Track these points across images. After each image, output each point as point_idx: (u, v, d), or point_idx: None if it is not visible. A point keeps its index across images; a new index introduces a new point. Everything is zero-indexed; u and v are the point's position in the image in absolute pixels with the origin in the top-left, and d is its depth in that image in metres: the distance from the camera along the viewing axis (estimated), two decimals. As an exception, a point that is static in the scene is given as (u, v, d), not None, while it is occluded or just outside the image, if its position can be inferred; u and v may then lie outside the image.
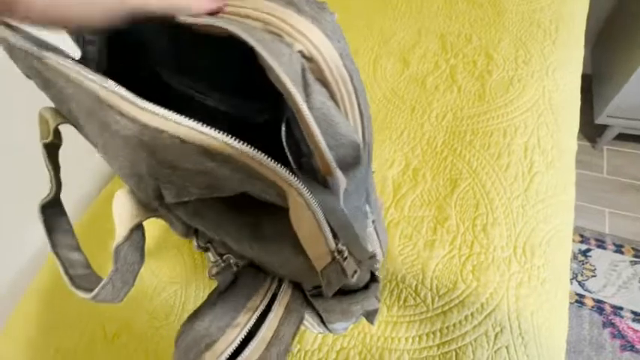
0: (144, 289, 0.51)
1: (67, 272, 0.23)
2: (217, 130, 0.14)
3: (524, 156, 0.49)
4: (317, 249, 0.19)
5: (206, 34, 0.15)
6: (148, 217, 0.24)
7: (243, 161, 0.14)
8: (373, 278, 0.27)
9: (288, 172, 0.15)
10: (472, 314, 0.39)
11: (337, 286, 0.21)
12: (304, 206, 0.16)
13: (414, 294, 0.41)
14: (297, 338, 0.41)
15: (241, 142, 0.14)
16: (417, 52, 0.68)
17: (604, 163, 1.15)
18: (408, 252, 0.44)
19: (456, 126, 0.54)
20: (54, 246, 0.23)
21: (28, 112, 0.36)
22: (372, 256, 0.23)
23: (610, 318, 0.87)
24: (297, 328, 0.26)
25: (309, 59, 0.15)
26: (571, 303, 0.90)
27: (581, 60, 0.63)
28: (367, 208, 0.27)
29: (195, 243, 0.23)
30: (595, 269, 0.94)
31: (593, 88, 1.19)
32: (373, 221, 0.30)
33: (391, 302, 0.41)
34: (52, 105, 0.21)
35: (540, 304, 0.39)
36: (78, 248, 0.26)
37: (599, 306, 0.88)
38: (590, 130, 1.20)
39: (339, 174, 0.17)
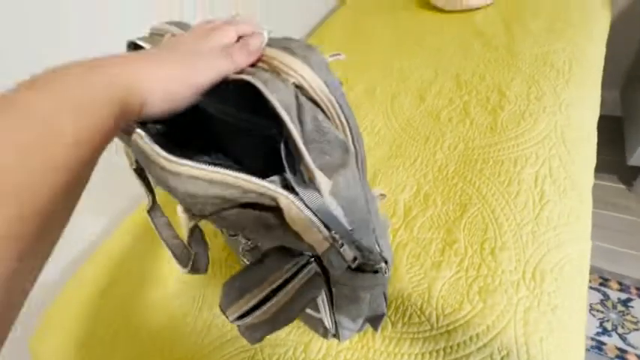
0: (166, 292, 0.55)
1: (173, 253, 0.31)
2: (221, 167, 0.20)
3: (535, 185, 0.50)
4: (312, 236, 0.23)
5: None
6: (197, 221, 0.30)
7: (240, 186, 0.20)
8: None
9: (274, 185, 0.21)
10: (477, 335, 0.38)
11: (339, 268, 0.25)
12: (292, 207, 0.21)
13: (419, 312, 0.42)
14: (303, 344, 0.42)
15: (241, 173, 0.20)
16: (432, 89, 0.73)
17: (642, 207, 1.08)
18: (415, 271, 0.45)
19: (468, 155, 0.57)
20: (161, 237, 0.30)
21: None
22: (371, 251, 0.26)
23: (658, 379, 0.77)
24: (310, 300, 0.29)
25: (300, 87, 0.22)
26: (612, 358, 0.82)
27: (598, 100, 0.65)
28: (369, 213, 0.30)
29: (224, 233, 0.28)
30: (638, 322, 0.86)
31: (624, 129, 1.17)
32: (373, 230, 0.33)
33: (396, 319, 0.42)
34: None
35: (551, 331, 0.38)
36: (177, 237, 0.34)
37: (644, 364, 0.79)
38: (625, 173, 1.15)
39: (320, 177, 0.22)
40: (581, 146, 0.55)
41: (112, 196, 0.77)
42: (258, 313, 0.25)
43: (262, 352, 0.43)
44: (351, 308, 0.33)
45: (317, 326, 0.38)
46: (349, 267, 0.26)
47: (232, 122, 0.28)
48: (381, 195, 0.49)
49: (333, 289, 0.32)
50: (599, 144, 0.59)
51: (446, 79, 0.74)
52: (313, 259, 0.28)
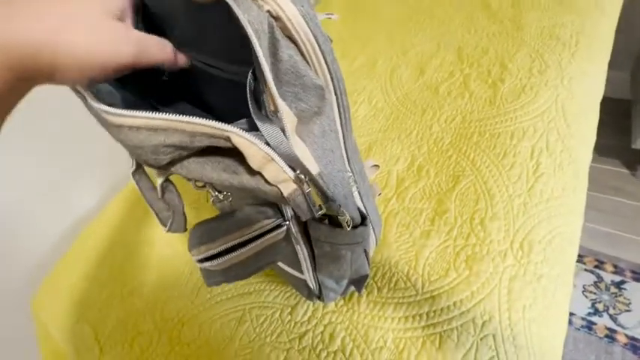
0: (160, 256, 0.56)
1: (156, 215, 0.30)
2: (168, 114, 0.19)
3: (531, 157, 0.49)
4: (275, 176, 0.22)
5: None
6: (166, 176, 0.29)
7: (184, 129, 0.19)
8: (363, 222, 0.30)
9: (224, 124, 0.19)
10: (461, 301, 0.39)
11: (307, 212, 0.24)
12: (247, 143, 0.20)
13: (405, 278, 0.42)
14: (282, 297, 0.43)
15: (181, 115, 0.19)
16: (433, 62, 0.71)
17: (644, 192, 1.07)
18: (404, 240, 0.45)
19: (464, 128, 0.56)
20: (146, 199, 0.30)
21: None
22: (333, 200, 0.25)
23: (646, 358, 0.78)
24: (268, 263, 0.29)
25: (276, 18, 0.20)
26: (601, 337, 0.83)
27: (604, 76, 0.63)
28: (347, 168, 0.30)
29: (192, 184, 0.27)
30: (630, 303, 0.86)
31: (632, 113, 1.14)
32: (358, 191, 0.32)
33: (382, 284, 0.42)
34: None
35: (534, 300, 0.38)
36: (161, 198, 0.33)
37: (633, 343, 0.80)
38: (630, 157, 1.13)
39: (282, 106, 0.20)
40: (582, 121, 0.53)
41: (111, 164, 0.78)
42: (218, 261, 0.26)
43: (250, 314, 0.44)
44: (332, 269, 0.33)
45: (301, 288, 0.39)
46: (314, 217, 0.25)
47: (223, 76, 0.27)
48: (375, 166, 0.49)
49: (315, 249, 0.32)
50: (604, 126, 0.57)
51: (447, 53, 0.71)
52: (287, 222, 0.28)
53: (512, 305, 0.37)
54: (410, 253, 0.44)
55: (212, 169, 0.22)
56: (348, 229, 0.28)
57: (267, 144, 0.20)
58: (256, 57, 0.19)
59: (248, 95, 0.21)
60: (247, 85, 0.21)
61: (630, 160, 1.13)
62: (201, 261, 0.26)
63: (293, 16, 0.20)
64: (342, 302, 0.42)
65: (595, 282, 0.91)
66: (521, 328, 0.36)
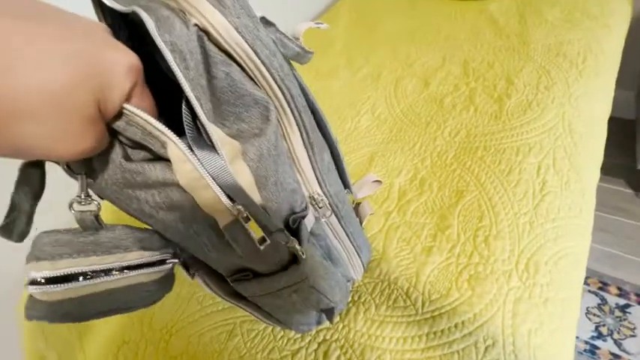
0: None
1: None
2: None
3: (537, 175, 0.48)
4: (210, 203, 0.19)
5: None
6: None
7: (130, 116, 0.17)
8: (294, 260, 0.26)
9: (167, 129, 0.17)
10: (463, 323, 0.37)
11: (245, 246, 0.22)
12: (183, 159, 0.17)
13: (404, 296, 0.40)
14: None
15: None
16: (438, 75, 0.70)
17: (650, 213, 1.05)
18: (405, 255, 0.44)
19: (469, 142, 0.55)
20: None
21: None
22: (281, 230, 0.22)
23: (652, 387, 0.75)
24: (132, 306, 0.23)
25: (205, 32, 0.18)
26: (604, 363, 0.80)
27: (611, 95, 0.62)
28: (318, 193, 0.27)
29: (63, 166, 0.20)
30: (635, 328, 0.84)
31: (637, 133, 1.13)
32: (335, 215, 0.30)
33: (380, 301, 0.40)
34: None
35: (540, 324, 0.36)
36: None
37: (638, 371, 0.77)
38: (634, 178, 1.11)
39: (216, 132, 0.18)
40: (589, 140, 0.52)
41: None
42: (57, 288, 0.19)
43: (241, 328, 0.42)
44: (287, 311, 0.30)
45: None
46: (256, 248, 0.22)
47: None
48: (377, 182, 0.47)
49: (255, 303, 0.30)
50: (609, 146, 0.56)
51: (453, 66, 0.71)
52: (175, 259, 0.24)
53: (516, 330, 0.36)
54: (410, 269, 0.42)
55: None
56: (304, 256, 0.25)
57: (204, 168, 0.18)
58: (180, 83, 0.17)
59: (184, 120, 0.19)
60: (182, 110, 0.19)
61: (634, 181, 1.11)
62: (34, 283, 0.19)
63: (223, 29, 0.18)
64: (337, 319, 0.40)
65: (599, 304, 0.89)
66: (526, 356, 0.34)
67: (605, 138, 0.56)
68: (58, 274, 0.19)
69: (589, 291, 0.92)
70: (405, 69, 0.75)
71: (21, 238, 0.21)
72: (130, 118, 0.17)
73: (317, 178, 0.27)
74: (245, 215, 0.20)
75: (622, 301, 0.88)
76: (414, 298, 0.40)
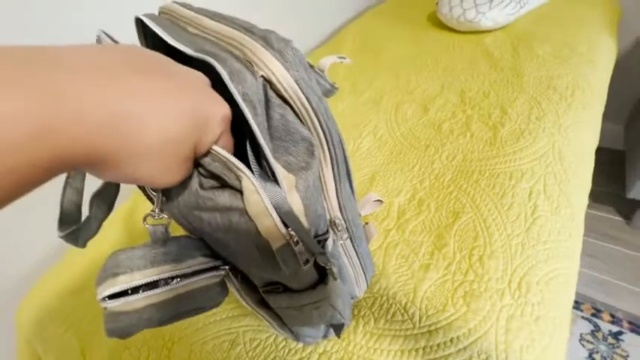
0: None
1: (61, 210, 0.25)
2: None
3: (529, 199, 0.50)
4: (269, 230, 0.22)
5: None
6: None
7: (214, 154, 0.20)
8: (322, 280, 0.29)
9: (244, 166, 0.20)
10: (458, 337, 0.38)
11: (293, 266, 0.24)
12: (253, 191, 0.20)
13: (402, 310, 0.42)
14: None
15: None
16: (437, 102, 0.74)
17: (640, 242, 1.08)
18: (403, 271, 0.46)
19: (465, 166, 0.58)
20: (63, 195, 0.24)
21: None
22: (323, 253, 0.25)
23: (645, 416, 0.75)
24: (196, 310, 0.25)
25: (269, 82, 0.22)
26: (598, 391, 0.80)
27: (598, 127, 0.66)
28: (339, 217, 0.30)
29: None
30: (628, 356, 0.84)
31: (626, 163, 1.17)
32: (350, 238, 0.33)
33: (379, 315, 0.42)
34: None
35: (532, 341, 0.38)
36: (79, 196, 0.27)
37: (631, 399, 0.78)
38: (624, 206, 1.15)
39: (277, 168, 0.21)
40: (578, 168, 0.55)
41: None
42: (134, 297, 0.21)
43: (243, 337, 0.44)
44: (302, 323, 0.33)
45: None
46: (290, 289, 0.25)
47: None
48: (378, 201, 0.50)
49: (277, 311, 0.32)
50: (600, 175, 0.59)
51: (451, 94, 0.75)
52: (225, 267, 0.27)
53: (509, 346, 0.37)
54: (408, 285, 0.44)
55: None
56: (336, 280, 0.28)
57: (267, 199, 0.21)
58: (250, 129, 0.20)
59: (250, 159, 0.21)
60: (247, 149, 0.22)
61: (625, 209, 1.15)
62: (113, 297, 0.21)
63: (284, 80, 0.22)
64: (322, 338, 0.42)
65: (592, 331, 0.90)
66: (518, 371, 0.36)
67: (592, 166, 0.59)
68: (139, 283, 0.21)
69: (582, 317, 0.93)
70: (406, 95, 0.79)
71: (86, 243, 0.24)
72: (215, 156, 0.20)
73: (339, 205, 0.29)
74: (295, 240, 0.22)
75: (615, 328, 0.89)
76: (411, 312, 0.42)
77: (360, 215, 0.35)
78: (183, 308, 0.24)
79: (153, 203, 0.23)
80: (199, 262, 0.24)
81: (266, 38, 0.23)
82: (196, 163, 0.20)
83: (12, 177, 0.12)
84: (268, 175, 0.22)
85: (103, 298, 0.21)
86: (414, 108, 0.74)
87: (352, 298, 0.41)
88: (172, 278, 0.23)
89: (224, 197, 0.21)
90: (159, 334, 0.47)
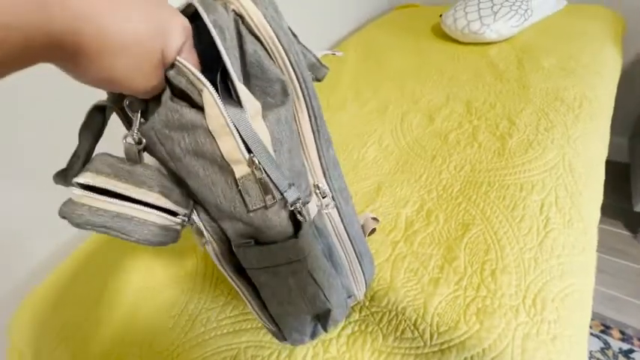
0: (155, 283, 0.53)
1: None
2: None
3: (540, 212, 0.49)
4: (230, 151, 0.22)
5: None
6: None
7: (179, 66, 0.21)
8: (295, 235, 0.27)
9: (204, 78, 0.21)
10: (472, 357, 0.36)
11: (257, 200, 0.24)
12: (213, 104, 0.21)
13: (412, 327, 0.40)
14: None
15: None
16: (443, 112, 0.74)
17: (648, 256, 1.06)
18: (412, 286, 0.44)
19: (473, 177, 0.57)
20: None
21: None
22: (290, 187, 0.25)
23: None
24: (145, 239, 0.25)
25: (240, 16, 0.23)
26: (611, 412, 0.77)
27: (607, 138, 0.65)
28: (323, 183, 0.30)
29: (126, 102, 0.24)
30: (640, 375, 0.81)
31: (631, 176, 1.16)
32: (336, 208, 0.32)
33: (388, 332, 0.40)
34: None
35: (549, 362, 0.36)
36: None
37: (646, 422, 0.74)
38: (631, 219, 1.13)
39: (244, 91, 0.22)
40: (589, 180, 0.54)
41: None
42: (97, 197, 0.22)
43: (245, 353, 0.41)
44: (281, 300, 0.31)
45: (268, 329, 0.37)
46: (265, 205, 0.25)
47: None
48: (374, 219, 0.48)
49: (253, 282, 0.31)
50: (606, 189, 0.58)
51: (456, 104, 0.75)
52: (186, 219, 0.26)
53: (526, 367, 0.35)
54: (418, 300, 0.42)
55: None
56: (306, 221, 0.27)
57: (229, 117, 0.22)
58: (218, 48, 0.21)
59: (218, 84, 0.22)
60: (217, 76, 0.22)
61: (631, 223, 1.13)
62: (85, 187, 0.22)
63: (254, 15, 0.23)
64: (344, 348, 0.40)
65: (602, 348, 0.87)
66: (537, 394, 0.34)
67: (603, 178, 0.58)
68: (96, 185, 0.23)
69: (591, 334, 0.90)
70: (411, 105, 0.79)
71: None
72: (179, 68, 0.21)
73: (322, 167, 0.29)
74: (260, 168, 0.23)
75: (625, 346, 0.87)
76: (421, 329, 0.40)
77: (347, 190, 0.34)
78: (129, 229, 0.24)
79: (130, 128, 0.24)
80: (155, 197, 0.24)
81: None
82: (166, 79, 0.22)
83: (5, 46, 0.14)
84: (235, 100, 0.23)
85: (75, 184, 0.23)
86: (419, 118, 0.74)
87: (350, 296, 0.39)
88: (125, 197, 0.23)
89: (190, 114, 0.22)
90: (157, 349, 0.45)
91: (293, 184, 0.25)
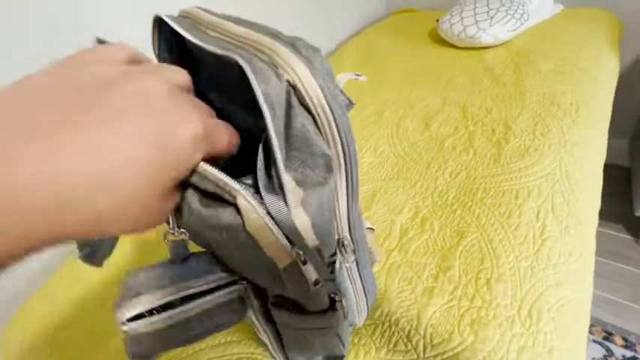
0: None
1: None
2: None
3: (536, 219, 0.48)
4: (272, 247, 0.20)
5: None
6: None
7: (203, 173, 0.18)
8: (332, 307, 0.27)
9: (234, 182, 0.19)
10: (466, 370, 0.36)
11: (299, 287, 0.22)
12: (250, 210, 0.19)
13: (405, 339, 0.39)
14: None
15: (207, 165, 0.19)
16: (439, 117, 0.73)
17: (650, 261, 1.04)
18: (406, 296, 0.43)
19: (469, 183, 0.56)
20: None
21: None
22: (332, 280, 0.24)
23: None
24: (219, 326, 0.24)
25: (294, 87, 0.21)
26: (614, 421, 0.76)
27: (605, 143, 0.65)
28: (347, 238, 0.29)
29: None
30: (643, 383, 0.80)
31: (632, 180, 1.15)
32: (355, 260, 0.31)
33: (381, 344, 0.39)
34: None
35: (545, 375, 0.35)
36: None
37: None
38: (632, 224, 1.12)
39: (286, 181, 0.20)
40: (586, 186, 0.54)
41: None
42: (155, 318, 0.21)
43: (236, 366, 0.41)
44: (301, 349, 0.31)
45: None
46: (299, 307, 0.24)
47: (239, 125, 0.27)
48: (369, 229, 0.47)
49: (280, 330, 0.30)
50: (606, 193, 0.57)
51: (452, 109, 0.74)
52: (244, 281, 0.26)
53: (521, 380, 0.35)
54: (412, 311, 0.41)
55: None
56: (345, 312, 0.26)
57: (269, 214, 0.19)
58: (268, 132, 0.19)
59: (258, 165, 0.20)
60: (258, 156, 0.20)
61: (633, 227, 1.12)
62: (134, 318, 0.20)
63: (310, 87, 0.21)
64: (336, 361, 0.39)
65: (605, 356, 0.86)
66: (532, 409, 0.33)
67: (601, 184, 0.57)
68: (159, 304, 0.21)
69: (594, 340, 0.89)
70: (407, 110, 0.78)
71: (102, 262, 0.24)
72: (203, 175, 0.18)
73: (349, 225, 0.28)
74: (302, 259, 0.21)
75: (629, 353, 0.85)
76: (415, 341, 0.39)
77: (365, 237, 0.33)
78: (203, 326, 0.23)
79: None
80: (218, 277, 0.23)
81: (294, 44, 0.21)
82: (187, 184, 0.19)
83: None
84: (275, 187, 0.20)
85: (124, 322, 0.20)
86: (415, 123, 0.73)
87: (351, 325, 0.38)
88: (193, 296, 0.22)
89: (228, 217, 0.19)
90: (147, 362, 0.44)
91: (333, 278, 0.24)
